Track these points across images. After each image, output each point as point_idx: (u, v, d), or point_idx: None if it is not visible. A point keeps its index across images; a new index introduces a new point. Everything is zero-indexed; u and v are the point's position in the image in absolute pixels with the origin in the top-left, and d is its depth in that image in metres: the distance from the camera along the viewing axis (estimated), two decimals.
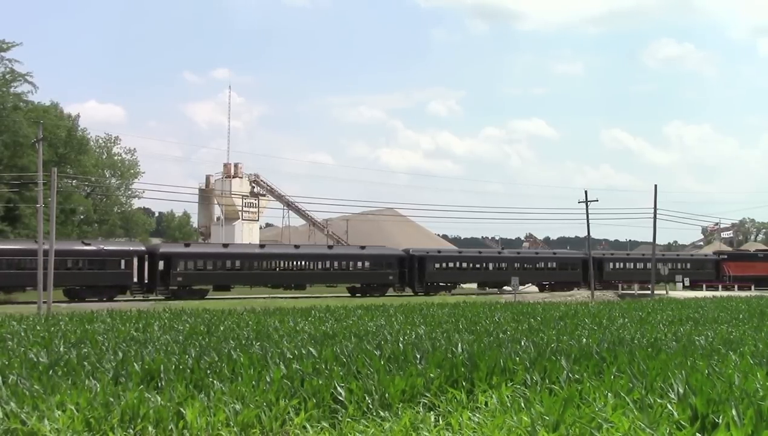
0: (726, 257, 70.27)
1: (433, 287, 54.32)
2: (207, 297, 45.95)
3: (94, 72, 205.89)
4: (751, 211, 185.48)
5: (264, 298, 46.10)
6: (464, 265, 57.29)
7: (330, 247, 57.22)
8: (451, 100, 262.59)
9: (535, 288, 60.18)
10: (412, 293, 52.77)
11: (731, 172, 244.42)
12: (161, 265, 46.06)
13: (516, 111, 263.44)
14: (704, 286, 61.50)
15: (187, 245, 52.03)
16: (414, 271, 53.82)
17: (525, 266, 59.63)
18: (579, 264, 61.02)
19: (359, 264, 52.93)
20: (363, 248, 57.32)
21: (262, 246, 54.07)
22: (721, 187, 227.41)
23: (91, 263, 44.68)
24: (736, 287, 61.96)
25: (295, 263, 51.26)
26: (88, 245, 46.77)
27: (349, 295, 51.54)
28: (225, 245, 53.13)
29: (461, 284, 57.72)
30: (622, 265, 64.28)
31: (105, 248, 46.27)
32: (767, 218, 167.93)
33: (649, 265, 64.70)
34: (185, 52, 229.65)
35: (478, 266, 57.72)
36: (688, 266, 66.39)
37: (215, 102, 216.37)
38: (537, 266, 60.46)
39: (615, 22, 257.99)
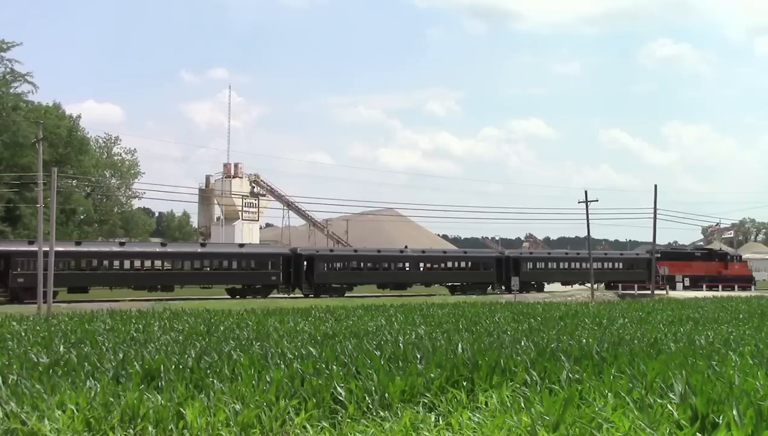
0: (659, 255, 65.82)
1: (323, 288, 50.68)
2: (57, 300, 41.24)
3: (92, 72, 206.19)
4: (751, 212, 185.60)
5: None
6: (360, 265, 53.62)
7: (203, 244, 53.53)
8: (450, 100, 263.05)
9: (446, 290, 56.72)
10: (302, 295, 49.68)
11: (730, 172, 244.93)
12: (0, 264, 42.51)
13: (514, 111, 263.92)
14: (636, 286, 58.18)
15: (31, 243, 45.68)
16: (301, 271, 50.43)
17: (432, 266, 56.05)
18: (492, 263, 57.65)
19: (238, 263, 49.55)
20: (242, 245, 54.39)
21: (122, 244, 50.24)
22: (721, 187, 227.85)
23: None
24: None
25: (160, 262, 47.38)
26: None
27: (228, 296, 48.49)
28: (78, 243, 48.39)
29: (358, 285, 53.47)
30: (542, 264, 60.32)
31: None
32: (767, 218, 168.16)
33: (574, 264, 61.01)
34: (183, 51, 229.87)
35: (376, 266, 53.94)
36: (619, 265, 62.47)
37: (213, 102, 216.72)
38: (445, 265, 56.70)
39: (611, 23, 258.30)
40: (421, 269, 55.42)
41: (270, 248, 57.31)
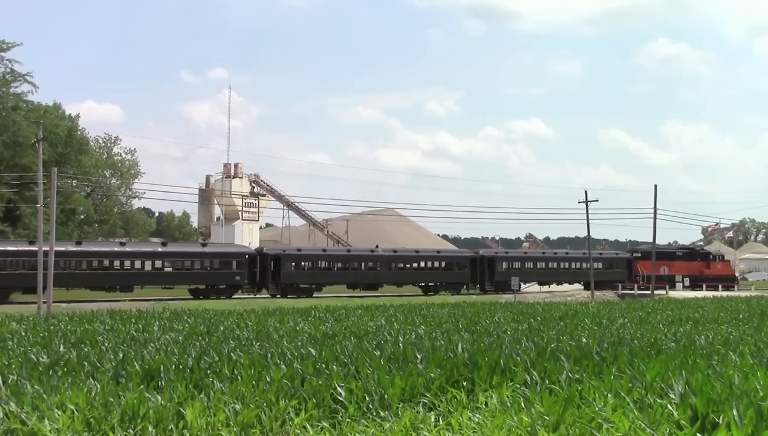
0: (640, 255, 64.25)
1: (291, 288, 49.63)
2: (8, 302, 41.07)
3: (91, 72, 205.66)
4: (751, 212, 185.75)
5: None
6: (329, 264, 52.99)
7: (164, 244, 52.13)
8: (450, 100, 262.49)
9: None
10: (268, 296, 48.62)
11: (730, 172, 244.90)
12: None
13: (514, 111, 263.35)
14: (620, 286, 57.91)
15: None
16: (267, 271, 49.32)
17: (404, 265, 54.81)
18: (467, 263, 56.65)
19: (201, 263, 48.11)
20: (204, 244, 53.61)
21: (78, 243, 47.89)
22: (721, 187, 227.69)
23: None
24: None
25: (119, 262, 45.98)
26: None
27: (191, 297, 46.88)
28: (31, 242, 45.39)
29: (327, 285, 52.47)
30: (518, 264, 58.97)
31: None
32: (767, 218, 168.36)
33: (551, 264, 60.27)
34: (182, 51, 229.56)
35: (346, 266, 53.31)
36: (598, 265, 60.22)
37: (213, 102, 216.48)
38: (418, 265, 55.61)
39: (611, 22, 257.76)
40: (393, 268, 54.22)
41: (234, 247, 56.27)
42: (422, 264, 56.12)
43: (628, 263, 62.71)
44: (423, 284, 55.98)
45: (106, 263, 45.83)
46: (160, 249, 49.30)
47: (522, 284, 57.93)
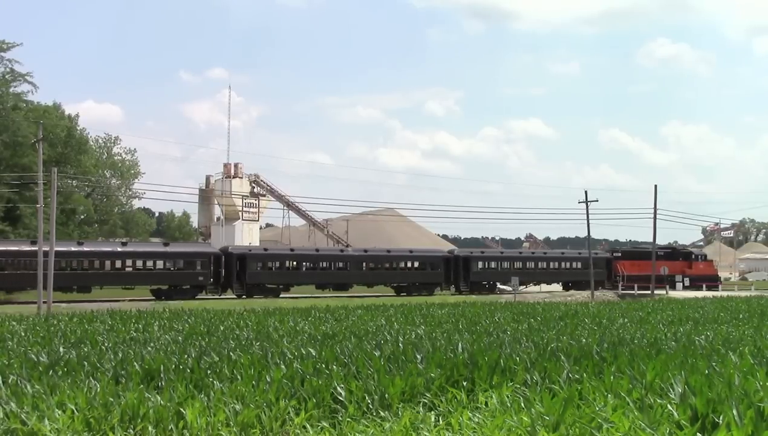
0: (620, 255, 64.05)
1: (257, 288, 48.81)
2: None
3: (91, 72, 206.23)
4: (751, 212, 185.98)
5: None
6: (297, 264, 52.01)
7: (124, 243, 51.35)
8: (449, 100, 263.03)
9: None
10: (234, 296, 47.81)
11: (730, 172, 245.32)
12: None
13: (514, 111, 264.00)
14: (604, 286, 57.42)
15: None
16: (233, 271, 48.36)
17: (375, 265, 53.75)
18: (440, 263, 55.70)
19: (163, 263, 47.10)
20: (167, 244, 53.00)
21: (33, 242, 43.23)
22: (720, 187, 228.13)
23: None
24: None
25: (76, 262, 44.78)
26: None
27: (153, 298, 45.33)
28: None
29: (295, 286, 51.76)
30: (495, 264, 58.26)
31: None
32: (767, 217, 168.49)
33: (528, 264, 59.32)
34: (182, 51, 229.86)
35: (314, 266, 52.33)
36: (578, 265, 59.22)
37: (213, 102, 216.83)
38: (390, 265, 54.48)
39: (610, 23, 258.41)
40: (364, 268, 53.19)
41: (198, 246, 55.59)
42: (394, 264, 55.03)
43: (607, 263, 61.65)
44: (395, 285, 54.95)
45: (63, 263, 43.13)
46: (119, 249, 47.82)
47: (498, 284, 57.40)
